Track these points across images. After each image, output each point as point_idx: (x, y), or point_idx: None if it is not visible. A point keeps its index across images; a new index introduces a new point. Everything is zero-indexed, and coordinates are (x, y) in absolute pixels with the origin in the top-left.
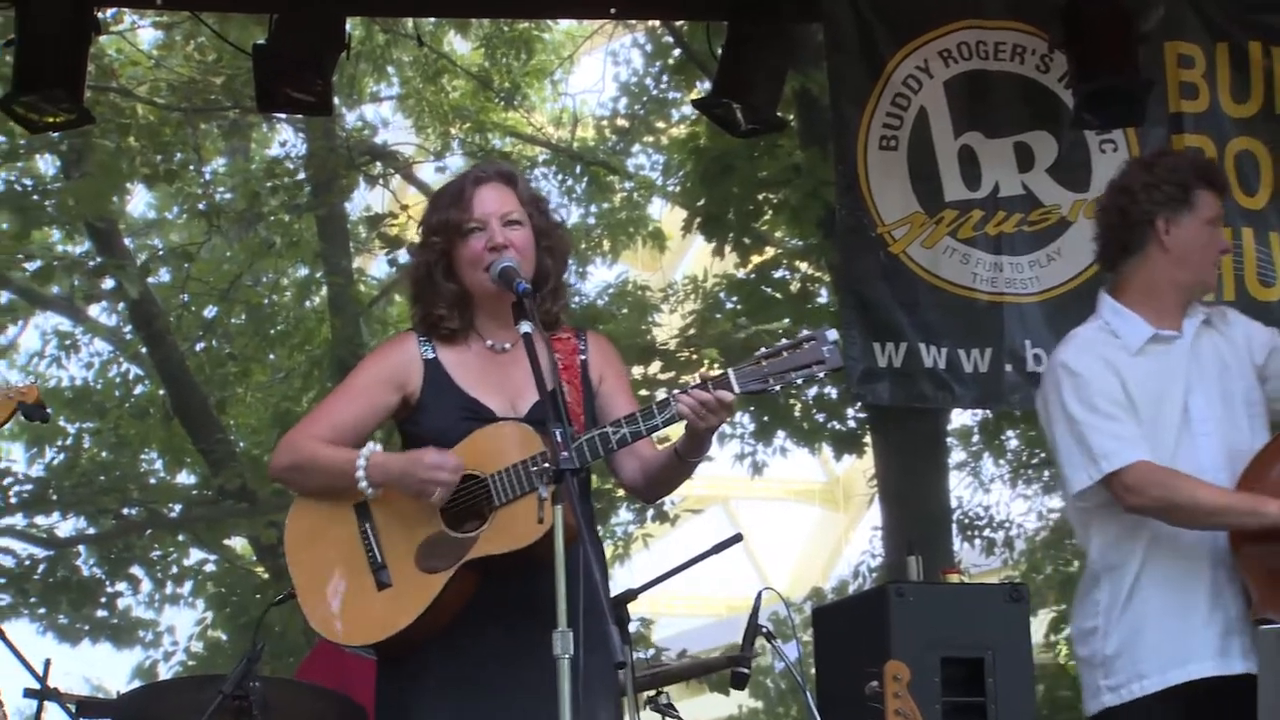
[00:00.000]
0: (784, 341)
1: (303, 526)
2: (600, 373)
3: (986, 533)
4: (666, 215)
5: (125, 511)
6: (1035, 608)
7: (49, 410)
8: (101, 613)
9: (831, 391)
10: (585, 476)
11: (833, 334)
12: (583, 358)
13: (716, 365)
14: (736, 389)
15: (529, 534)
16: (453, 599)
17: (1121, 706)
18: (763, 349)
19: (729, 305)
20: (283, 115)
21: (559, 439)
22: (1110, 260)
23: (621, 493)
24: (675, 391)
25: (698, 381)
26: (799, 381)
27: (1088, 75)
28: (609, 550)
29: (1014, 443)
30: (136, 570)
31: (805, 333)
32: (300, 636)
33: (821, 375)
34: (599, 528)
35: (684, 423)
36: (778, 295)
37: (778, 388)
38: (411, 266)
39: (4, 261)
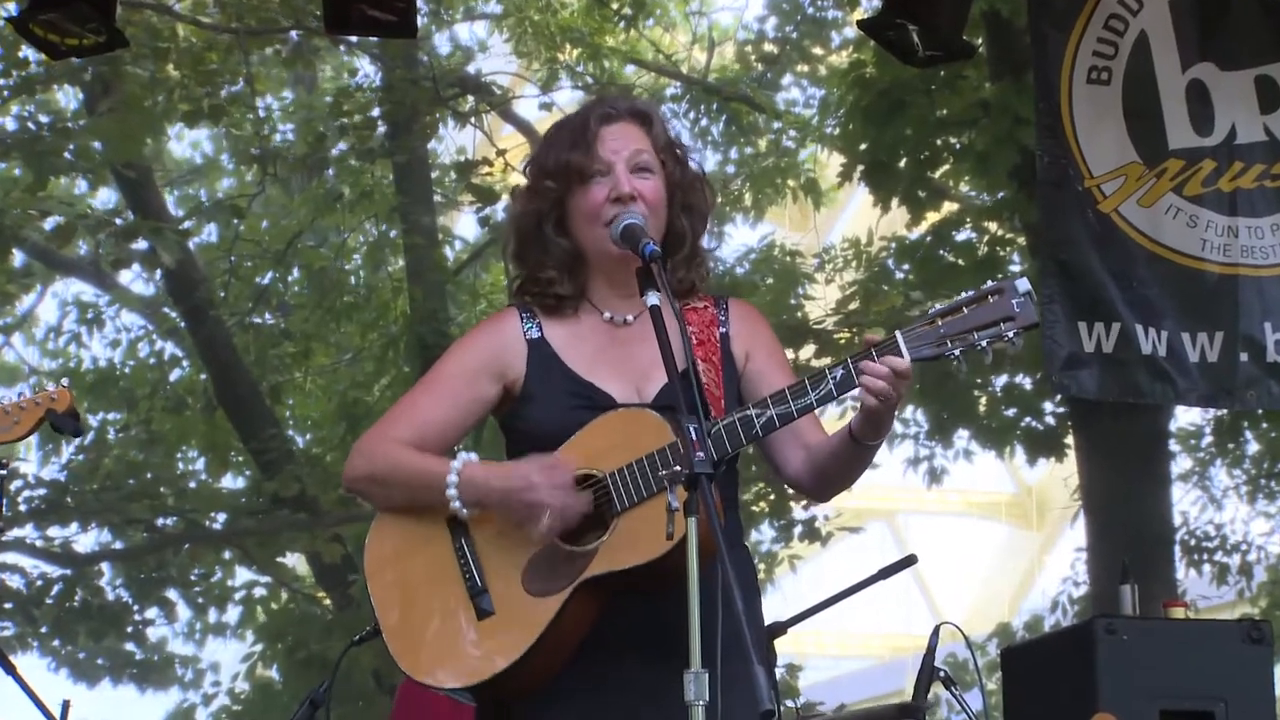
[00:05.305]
0: (964, 295)
1: (386, 545)
2: (746, 347)
3: (1218, 557)
4: (823, 162)
5: (158, 523)
6: (1278, 651)
7: (79, 422)
8: (128, 645)
9: (1025, 381)
10: (732, 477)
11: (1024, 284)
12: (723, 330)
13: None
14: (906, 355)
15: (659, 544)
16: (570, 628)
17: None
18: (937, 305)
19: (898, 274)
20: (355, 38)
21: (693, 434)
22: None
23: (760, 505)
24: (832, 366)
25: (863, 349)
26: (983, 344)
27: None
28: None
29: (1253, 447)
30: (171, 594)
31: (990, 284)
32: (368, 678)
33: (1011, 335)
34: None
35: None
36: (959, 262)
37: (958, 352)
38: (517, 216)
39: (17, 217)
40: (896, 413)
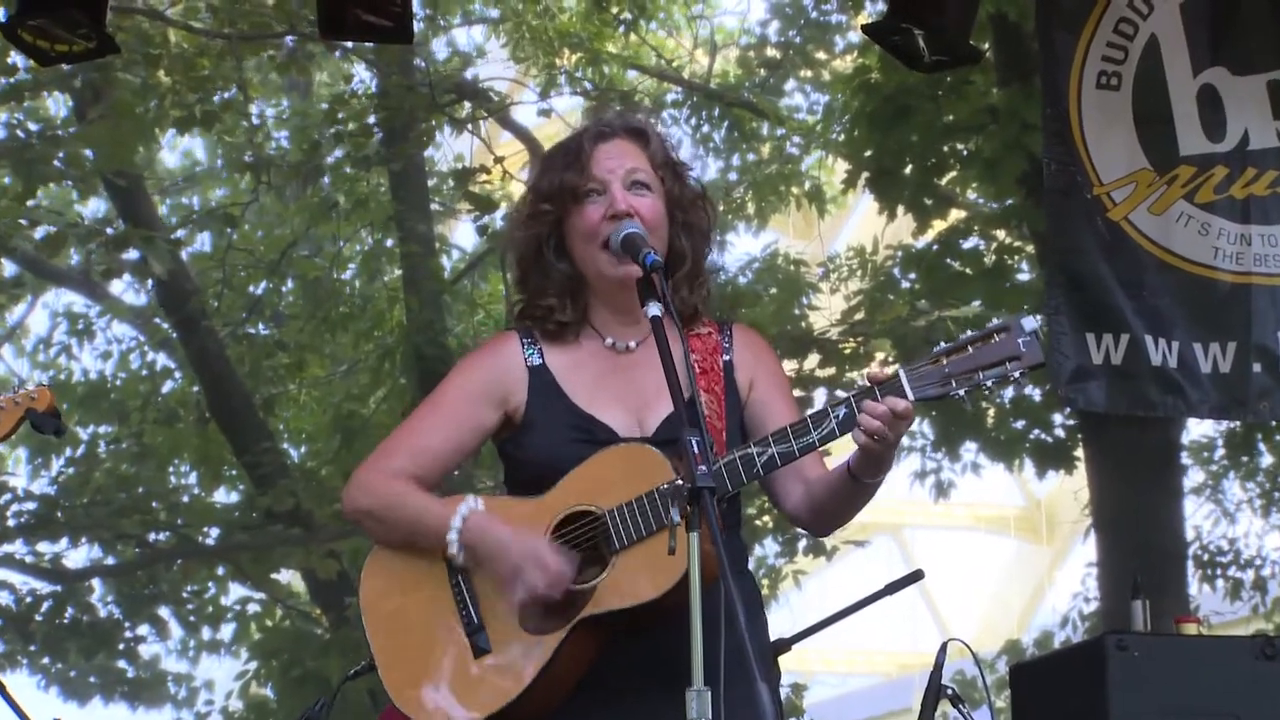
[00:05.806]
0: (969, 334)
1: (382, 579)
2: (750, 375)
3: (1231, 572)
4: (829, 168)
5: (150, 538)
6: None
7: (61, 421)
8: (120, 663)
9: (1034, 393)
10: (734, 502)
11: (1030, 322)
12: (727, 358)
13: (888, 360)
14: (910, 395)
15: (658, 584)
16: (568, 666)
17: None
18: (942, 344)
19: (904, 284)
20: (351, 44)
21: (695, 448)
22: None
23: (764, 520)
24: (835, 404)
25: (863, 386)
26: (989, 384)
27: None
28: None
29: (1267, 460)
30: (163, 611)
31: (995, 322)
32: (365, 698)
33: (1017, 375)
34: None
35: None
36: (966, 271)
37: (962, 392)
38: (517, 242)
39: (6, 227)
40: (901, 443)
